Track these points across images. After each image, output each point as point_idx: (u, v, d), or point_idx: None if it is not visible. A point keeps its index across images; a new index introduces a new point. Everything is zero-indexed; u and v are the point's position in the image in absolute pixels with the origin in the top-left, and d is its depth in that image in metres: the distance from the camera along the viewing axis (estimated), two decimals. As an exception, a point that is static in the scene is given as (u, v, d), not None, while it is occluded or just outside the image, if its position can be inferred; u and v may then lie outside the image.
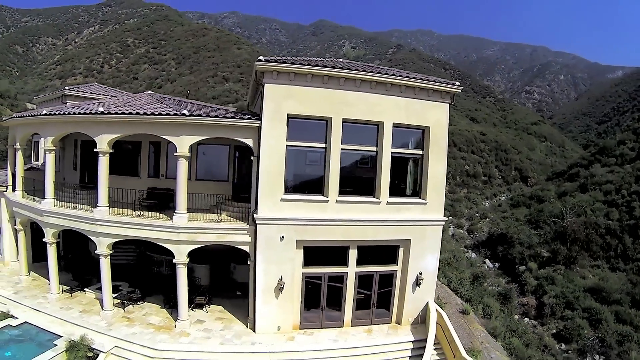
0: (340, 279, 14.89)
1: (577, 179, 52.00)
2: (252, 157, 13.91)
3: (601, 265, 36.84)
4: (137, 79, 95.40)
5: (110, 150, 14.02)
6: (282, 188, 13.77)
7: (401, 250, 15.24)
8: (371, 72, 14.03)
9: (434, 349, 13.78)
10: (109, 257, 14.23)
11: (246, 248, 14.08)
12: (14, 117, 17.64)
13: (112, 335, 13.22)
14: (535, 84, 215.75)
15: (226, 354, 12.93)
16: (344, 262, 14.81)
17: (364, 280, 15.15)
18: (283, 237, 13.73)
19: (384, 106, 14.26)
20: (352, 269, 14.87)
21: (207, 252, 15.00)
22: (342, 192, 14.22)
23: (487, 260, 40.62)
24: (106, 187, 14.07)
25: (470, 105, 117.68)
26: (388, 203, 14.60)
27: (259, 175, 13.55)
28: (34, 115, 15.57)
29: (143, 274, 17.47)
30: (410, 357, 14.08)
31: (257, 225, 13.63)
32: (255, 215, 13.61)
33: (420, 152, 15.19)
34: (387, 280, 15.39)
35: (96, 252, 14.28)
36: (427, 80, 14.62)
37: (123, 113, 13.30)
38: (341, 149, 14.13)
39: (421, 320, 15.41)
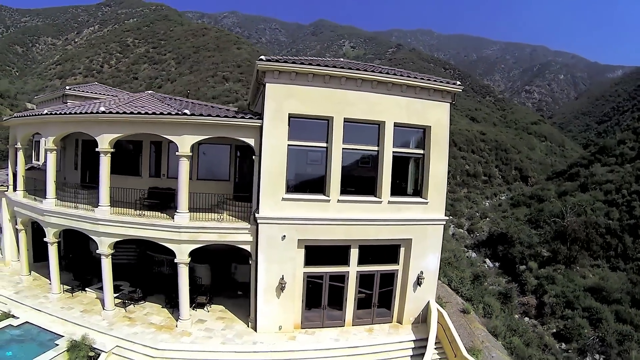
0: (342, 278, 14.90)
1: (577, 179, 52.06)
2: (253, 157, 13.93)
3: (601, 265, 36.88)
4: (137, 79, 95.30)
5: (112, 150, 14.02)
6: (283, 187, 13.78)
7: (402, 250, 15.25)
8: (372, 71, 14.04)
9: (435, 348, 13.79)
10: (110, 256, 14.24)
11: (248, 247, 14.08)
12: (15, 116, 17.62)
13: (114, 335, 13.21)
14: (535, 83, 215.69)
15: (228, 354, 12.94)
16: (345, 261, 14.82)
17: (365, 280, 15.16)
18: (284, 236, 13.74)
19: (385, 105, 14.27)
20: (353, 269, 14.87)
21: (207, 252, 15.01)
22: (343, 192, 14.23)
23: (487, 260, 40.66)
24: (107, 187, 14.07)
25: (470, 105, 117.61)
26: (389, 202, 14.61)
27: (261, 175, 13.56)
28: (36, 114, 15.56)
29: (144, 274, 17.46)
30: (411, 356, 14.08)
31: (259, 225, 13.64)
32: (256, 215, 13.62)
33: (421, 151, 15.19)
34: (388, 279, 15.41)
35: (97, 251, 14.29)
36: (428, 79, 14.63)
37: (125, 113, 13.30)
38: (342, 149, 14.13)
39: (422, 320, 15.43)
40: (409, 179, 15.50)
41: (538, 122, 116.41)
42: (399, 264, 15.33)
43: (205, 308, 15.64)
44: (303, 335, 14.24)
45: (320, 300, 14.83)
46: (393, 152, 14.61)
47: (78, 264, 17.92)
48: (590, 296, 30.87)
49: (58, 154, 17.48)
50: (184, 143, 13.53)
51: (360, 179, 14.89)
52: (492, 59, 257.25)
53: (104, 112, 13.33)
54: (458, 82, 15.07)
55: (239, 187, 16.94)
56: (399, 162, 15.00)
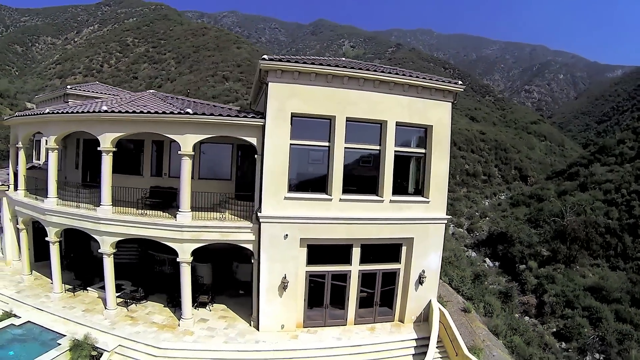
0: (344, 277, 14.93)
1: (577, 178, 52.15)
2: (255, 156, 13.94)
3: (601, 264, 36.95)
4: (136, 78, 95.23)
5: (114, 149, 14.01)
6: (285, 186, 13.79)
7: (404, 249, 15.27)
8: (375, 71, 14.05)
9: (437, 347, 13.82)
10: (112, 256, 14.24)
11: (250, 246, 14.10)
12: (16, 116, 17.61)
13: (116, 334, 13.22)
14: (535, 83, 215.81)
15: (230, 353, 12.96)
16: (347, 260, 14.85)
17: (367, 279, 15.18)
18: (287, 235, 13.75)
19: (386, 105, 14.29)
20: (355, 267, 14.90)
21: (209, 251, 15.03)
22: (345, 191, 14.25)
23: (487, 259, 40.71)
24: (109, 186, 14.07)
25: (470, 105, 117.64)
26: (391, 201, 14.64)
27: (263, 174, 13.56)
28: (38, 114, 15.55)
29: (146, 273, 17.46)
30: (413, 355, 14.11)
31: (261, 224, 13.65)
32: (259, 214, 13.63)
33: (422, 150, 15.23)
34: (390, 278, 15.44)
35: (99, 251, 14.28)
36: (430, 79, 14.65)
37: (127, 112, 13.29)
38: (344, 148, 14.15)
39: (424, 319, 15.46)
40: (410, 178, 15.52)
41: (538, 122, 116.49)
42: (400, 263, 15.35)
43: (207, 307, 15.66)
44: (305, 334, 14.26)
45: (323, 299, 14.85)
46: (395, 151, 14.63)
47: (79, 263, 17.93)
48: (590, 295, 30.91)
49: (59, 153, 17.45)
50: (187, 142, 13.53)
51: (362, 178, 14.90)
52: (492, 59, 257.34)
53: (106, 111, 13.32)
54: (460, 82, 15.11)
55: (240, 186, 16.95)
56: (401, 161, 15.01)
